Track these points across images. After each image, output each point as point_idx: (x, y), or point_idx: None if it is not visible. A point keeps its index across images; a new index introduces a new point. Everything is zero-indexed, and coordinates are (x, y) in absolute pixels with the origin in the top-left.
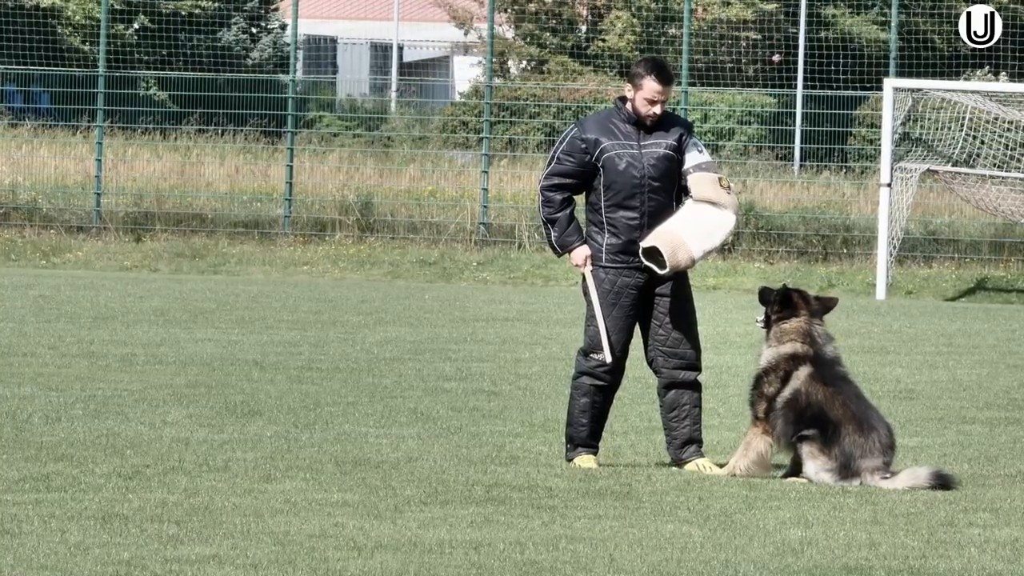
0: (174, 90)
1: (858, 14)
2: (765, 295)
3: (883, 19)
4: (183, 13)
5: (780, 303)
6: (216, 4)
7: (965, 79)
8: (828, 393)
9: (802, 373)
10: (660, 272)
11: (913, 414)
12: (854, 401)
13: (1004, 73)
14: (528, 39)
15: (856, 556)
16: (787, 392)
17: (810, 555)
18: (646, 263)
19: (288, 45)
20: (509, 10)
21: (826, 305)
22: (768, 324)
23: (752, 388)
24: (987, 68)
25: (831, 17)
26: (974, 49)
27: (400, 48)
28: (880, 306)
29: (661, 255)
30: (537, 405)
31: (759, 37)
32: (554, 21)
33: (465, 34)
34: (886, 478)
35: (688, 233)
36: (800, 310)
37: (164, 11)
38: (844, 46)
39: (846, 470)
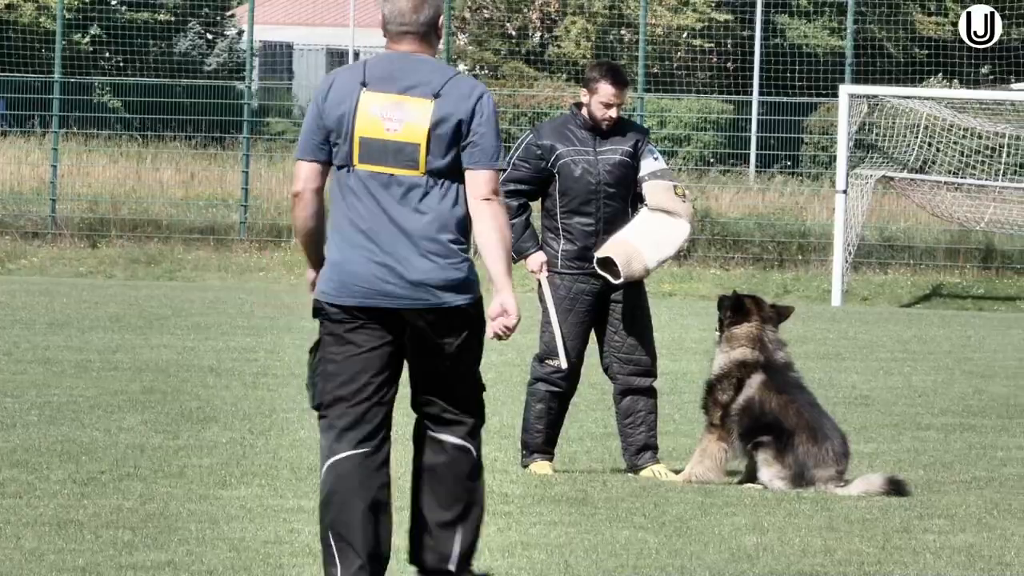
0: (130, 96)
1: (811, 21)
2: (721, 302)
3: (835, 26)
4: (137, 24)
5: (732, 309)
6: (172, 17)
7: (925, 85)
8: (783, 401)
9: (755, 380)
10: (614, 282)
11: (868, 420)
12: (808, 409)
13: (956, 80)
14: (482, 45)
15: (811, 562)
16: (741, 399)
17: (765, 561)
18: (600, 273)
19: (244, 51)
20: (463, 16)
21: (781, 313)
22: (721, 330)
23: (706, 394)
24: (940, 76)
25: (784, 25)
26: (929, 56)
27: (356, 54)
28: (836, 312)
29: (615, 265)
30: (492, 411)
31: (712, 44)
32: (508, 27)
33: None
34: (840, 486)
35: (642, 243)
36: (752, 316)
37: (119, 22)
38: (799, 52)
39: (800, 479)
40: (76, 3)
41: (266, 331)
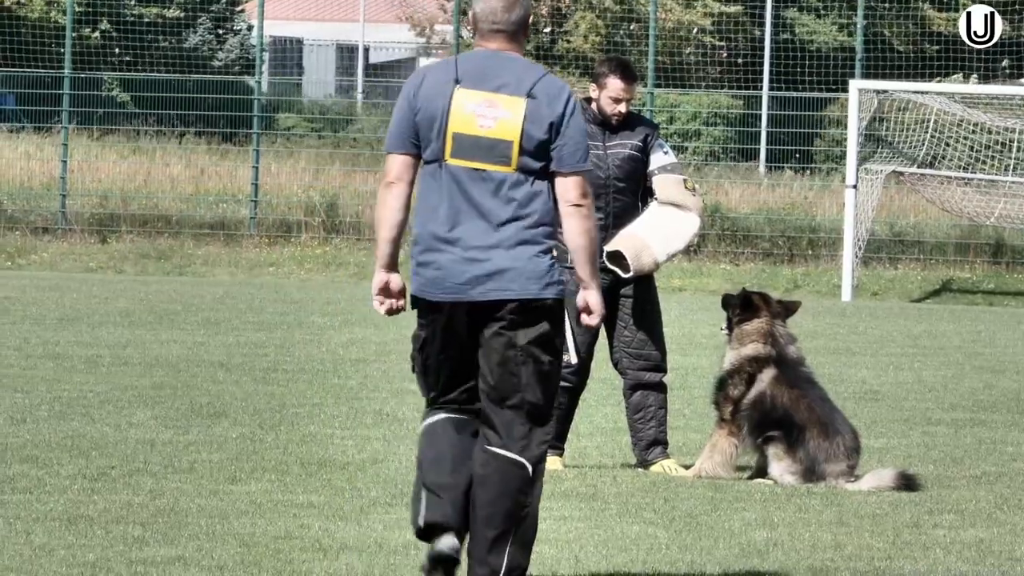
0: (140, 92)
1: (821, 17)
2: (727, 300)
3: (845, 22)
4: (147, 19)
5: (741, 306)
6: (181, 13)
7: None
8: (794, 396)
9: (767, 375)
10: (624, 275)
11: (878, 415)
12: (819, 404)
13: (975, 76)
14: None
15: (821, 558)
16: (752, 394)
17: (775, 557)
18: (610, 267)
19: (254, 47)
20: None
21: (788, 308)
22: (730, 327)
23: (716, 390)
24: (960, 74)
25: (791, 20)
26: (939, 51)
27: (366, 50)
28: (846, 307)
29: (625, 259)
30: None
31: (722, 40)
32: None
33: (428, 40)
34: (851, 481)
35: (652, 236)
36: (761, 311)
37: (128, 18)
38: (809, 47)
39: (811, 473)
40: None
41: (276, 326)
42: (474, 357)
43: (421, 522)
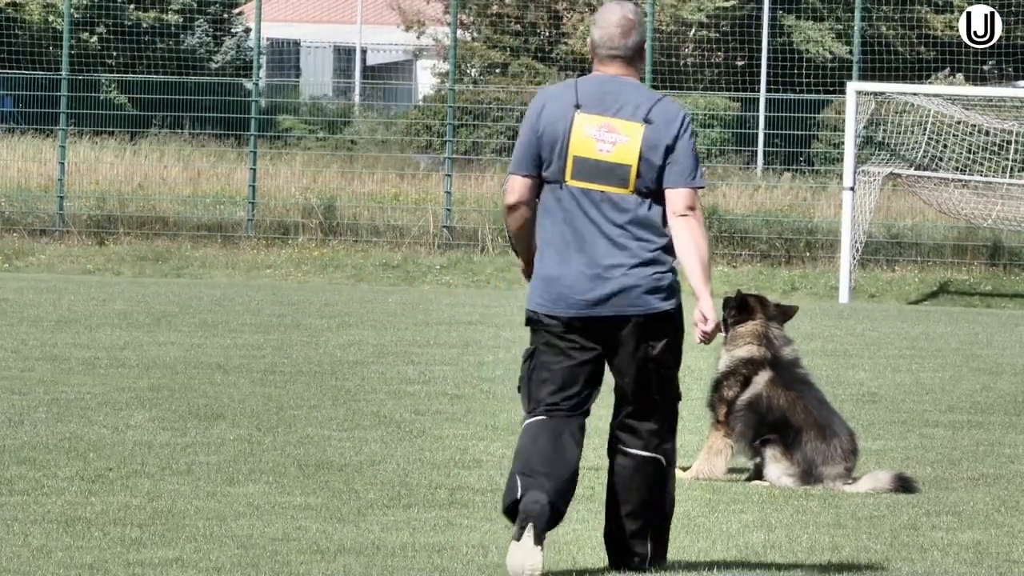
0: (138, 93)
1: (820, 22)
2: (725, 303)
3: (842, 29)
4: (146, 21)
5: (736, 308)
6: (179, 17)
7: (931, 82)
8: (790, 398)
9: (762, 378)
10: None
11: (876, 417)
12: (816, 406)
13: (960, 75)
14: (489, 42)
15: (819, 559)
16: (747, 396)
17: (773, 558)
18: None
19: (251, 49)
20: (469, 11)
21: (785, 312)
22: (726, 329)
23: (712, 392)
24: (948, 71)
25: (789, 27)
26: (937, 53)
27: (363, 52)
28: (843, 309)
29: None
30: (500, 408)
31: (723, 41)
32: (516, 24)
33: (417, 37)
34: (849, 483)
35: None
36: (756, 313)
37: (127, 20)
38: (807, 50)
39: (808, 476)
40: (84, 1)
41: (273, 328)
42: (587, 379)
43: (518, 495)
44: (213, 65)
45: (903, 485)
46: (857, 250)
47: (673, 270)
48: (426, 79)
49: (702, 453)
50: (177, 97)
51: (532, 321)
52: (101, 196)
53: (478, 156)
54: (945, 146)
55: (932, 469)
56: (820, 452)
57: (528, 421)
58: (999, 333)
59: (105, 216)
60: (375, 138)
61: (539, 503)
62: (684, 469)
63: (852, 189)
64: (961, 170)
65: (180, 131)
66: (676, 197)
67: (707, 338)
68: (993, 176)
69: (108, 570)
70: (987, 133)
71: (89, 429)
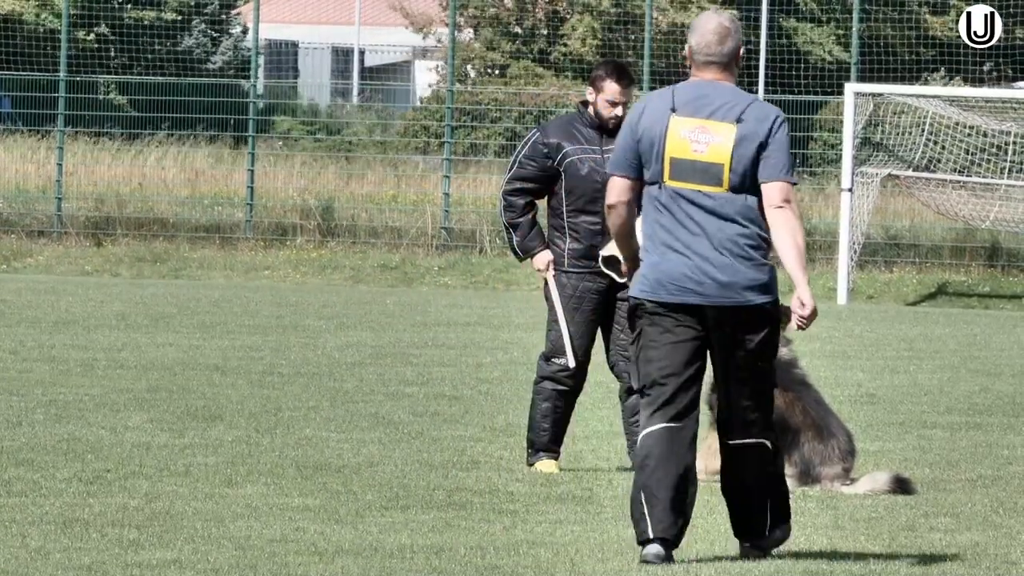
0: (135, 95)
1: (820, 25)
2: None
3: (842, 31)
4: (145, 23)
5: None
6: (178, 16)
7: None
8: (788, 399)
9: None
10: (619, 280)
11: (874, 419)
12: (814, 407)
13: (958, 77)
14: (489, 44)
15: (817, 560)
16: None
17: (770, 560)
18: (605, 271)
19: (249, 50)
20: (469, 13)
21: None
22: None
23: (710, 391)
24: (943, 71)
25: (788, 29)
26: (935, 55)
27: (361, 53)
28: (841, 311)
29: (620, 264)
30: (498, 410)
31: None
32: (515, 26)
33: (424, 38)
34: (846, 484)
35: None
36: None
37: (124, 20)
38: (809, 52)
39: (806, 476)
40: (81, 1)
41: (272, 330)
42: (689, 357)
43: (650, 534)
44: (211, 66)
45: (901, 486)
46: (855, 251)
47: (769, 264)
48: (424, 80)
49: (700, 453)
50: (175, 98)
51: (637, 307)
52: (99, 197)
53: (476, 157)
54: (943, 147)
55: (930, 470)
56: (818, 453)
57: (648, 431)
58: (997, 334)
59: (103, 217)
60: (373, 139)
61: (659, 558)
62: None
63: (850, 190)
64: (959, 171)
65: (178, 132)
66: (772, 190)
67: (804, 323)
68: (991, 177)
69: (106, 571)
70: (985, 134)
71: (87, 430)
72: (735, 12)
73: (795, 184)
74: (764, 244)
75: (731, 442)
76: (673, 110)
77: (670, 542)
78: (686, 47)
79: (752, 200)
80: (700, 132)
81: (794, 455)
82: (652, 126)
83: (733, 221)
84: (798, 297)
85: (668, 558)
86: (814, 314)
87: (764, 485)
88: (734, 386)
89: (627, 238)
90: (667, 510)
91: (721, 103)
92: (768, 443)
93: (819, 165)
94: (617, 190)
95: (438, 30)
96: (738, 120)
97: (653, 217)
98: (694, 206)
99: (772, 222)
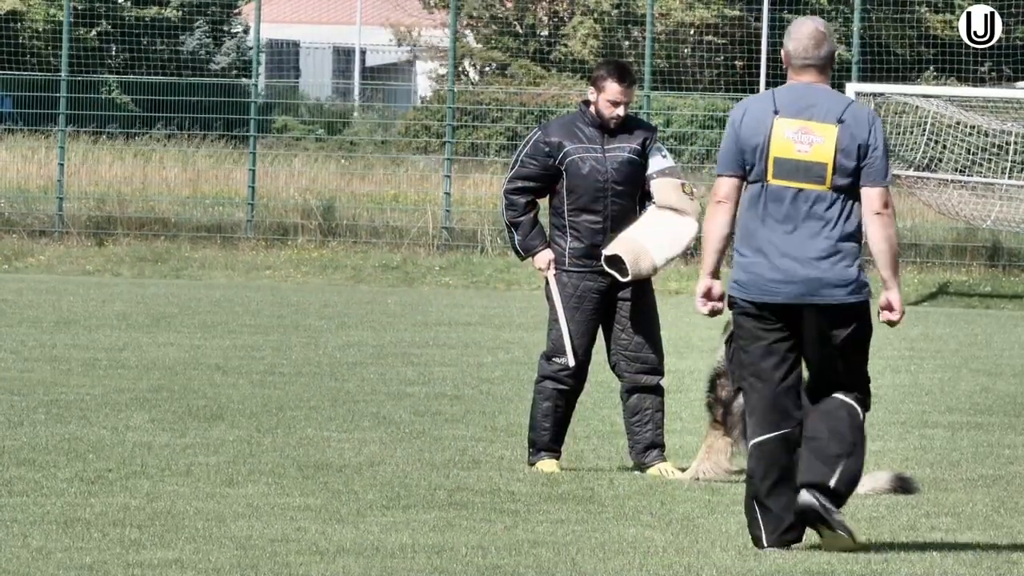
0: (137, 94)
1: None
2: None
3: (844, 28)
4: (147, 19)
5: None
6: (179, 12)
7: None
8: None
9: None
10: (622, 280)
11: (875, 418)
12: None
13: (953, 77)
14: (489, 44)
15: (817, 560)
16: (742, 400)
17: (772, 559)
18: (608, 271)
19: (251, 49)
20: (471, 14)
21: None
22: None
23: (708, 391)
24: (938, 71)
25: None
26: (935, 54)
27: (363, 52)
28: None
29: (623, 263)
30: (499, 409)
31: (723, 42)
32: (516, 26)
33: (411, 48)
34: None
35: (650, 241)
36: None
37: (126, 19)
38: None
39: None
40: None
41: (273, 329)
42: (782, 357)
43: (765, 543)
44: (213, 66)
45: (902, 486)
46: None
47: (861, 263)
48: (425, 80)
49: (701, 452)
50: (177, 98)
51: (732, 304)
52: (100, 197)
53: (477, 157)
54: (944, 147)
55: (931, 470)
56: None
57: (757, 440)
58: (998, 334)
59: (104, 217)
60: (374, 139)
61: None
62: (683, 470)
63: None
64: (960, 171)
65: (180, 132)
66: (872, 196)
67: (892, 324)
68: (992, 177)
69: (107, 571)
70: (986, 134)
71: (88, 430)
72: (739, 13)
73: (891, 184)
74: (858, 243)
75: (824, 398)
76: (776, 112)
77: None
78: (782, 51)
79: (851, 200)
80: (803, 133)
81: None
82: (755, 127)
83: (832, 220)
84: (888, 299)
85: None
86: (902, 315)
87: (846, 438)
88: (823, 383)
89: (724, 236)
90: (779, 517)
91: (821, 105)
92: (859, 412)
93: None
94: (725, 188)
95: (430, 33)
96: (839, 121)
97: (752, 215)
98: (795, 204)
99: (870, 226)
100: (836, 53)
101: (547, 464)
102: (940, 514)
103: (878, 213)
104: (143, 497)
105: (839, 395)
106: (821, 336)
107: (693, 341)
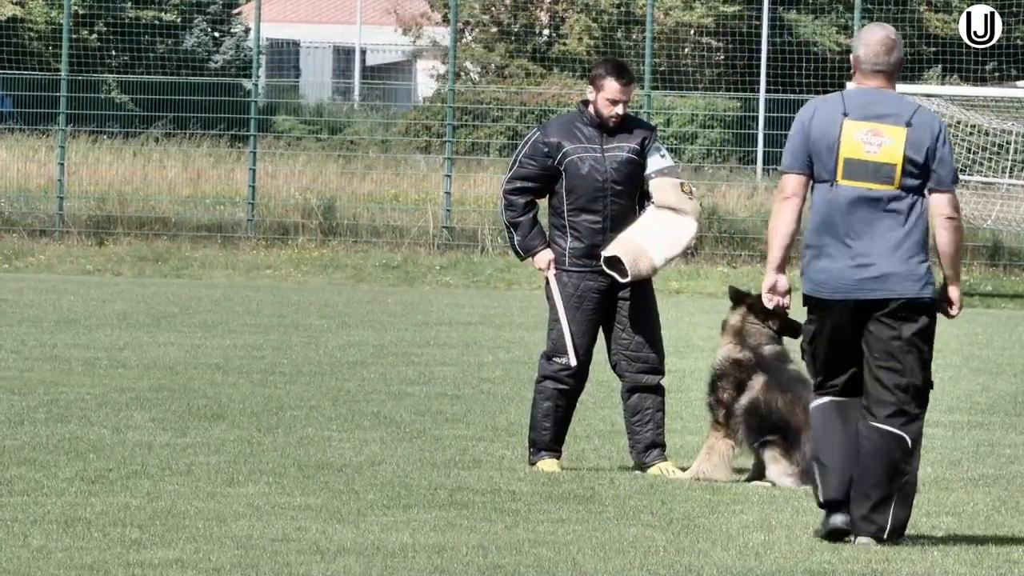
0: (137, 94)
1: (818, 18)
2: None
3: (844, 24)
4: (144, 21)
5: (730, 298)
6: (178, 14)
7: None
8: (788, 400)
9: (757, 382)
10: (621, 281)
11: None
12: None
13: (956, 76)
14: (487, 44)
15: (819, 560)
16: (745, 401)
17: (773, 559)
18: (608, 271)
19: (251, 49)
20: (467, 20)
21: (788, 325)
22: (723, 326)
23: (709, 392)
24: (941, 70)
25: (792, 22)
26: (936, 53)
27: (363, 52)
28: None
29: (622, 264)
30: (500, 409)
31: (721, 44)
32: (515, 25)
33: (413, 41)
34: None
35: (650, 241)
36: (739, 305)
37: (125, 20)
38: (806, 50)
39: (808, 474)
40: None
41: (273, 329)
42: (858, 348)
43: (821, 498)
44: (212, 65)
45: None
46: None
47: (929, 261)
48: (425, 80)
49: (702, 453)
50: (177, 97)
51: (807, 301)
52: (101, 196)
53: (478, 156)
54: None
55: (932, 470)
56: None
57: (817, 404)
58: (999, 333)
59: (105, 216)
60: (375, 138)
61: (847, 524)
62: (684, 469)
63: None
64: (961, 170)
65: (180, 131)
66: (940, 199)
67: (951, 316)
68: (993, 177)
69: (108, 571)
70: (987, 133)
71: (89, 430)
72: (738, 9)
73: (953, 190)
74: (925, 241)
75: (874, 423)
76: (845, 114)
77: (842, 502)
78: (852, 57)
79: (917, 199)
80: (873, 135)
81: (796, 454)
82: (825, 128)
83: (899, 218)
84: (951, 294)
85: (842, 523)
86: (960, 309)
87: (893, 479)
88: (887, 377)
89: (791, 233)
90: (838, 478)
91: (890, 108)
92: (909, 441)
93: None
94: (792, 185)
95: (432, 30)
96: (907, 124)
97: (822, 215)
98: (864, 203)
99: (939, 229)
100: (903, 59)
101: (548, 464)
102: (941, 513)
103: (949, 217)
104: (144, 497)
105: (881, 424)
106: (890, 332)
107: (694, 340)
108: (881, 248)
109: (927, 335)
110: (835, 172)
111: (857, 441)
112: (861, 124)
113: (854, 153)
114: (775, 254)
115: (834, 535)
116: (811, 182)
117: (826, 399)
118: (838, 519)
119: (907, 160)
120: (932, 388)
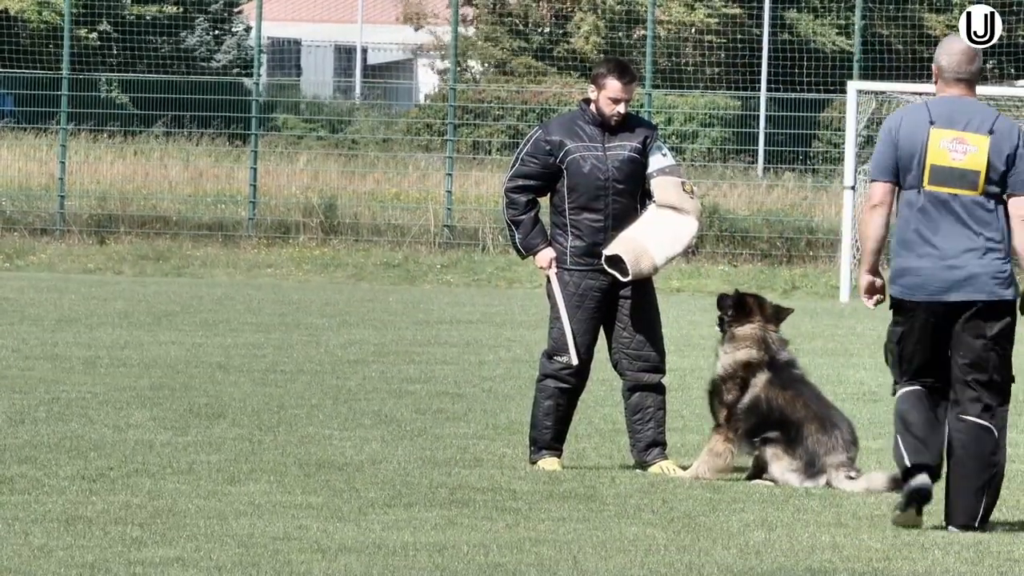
0: (138, 92)
1: (819, 17)
2: (722, 300)
3: (844, 22)
4: (147, 18)
5: (735, 308)
6: (179, 9)
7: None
8: (788, 396)
9: (760, 380)
10: (623, 280)
11: (876, 416)
12: (815, 401)
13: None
14: (490, 40)
15: (819, 558)
16: (747, 399)
17: (773, 557)
18: (609, 271)
19: (252, 48)
20: (472, 9)
21: (779, 313)
22: (723, 328)
23: (711, 394)
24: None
25: (793, 21)
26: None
27: (364, 51)
28: (843, 309)
29: (624, 263)
30: (501, 408)
31: (723, 40)
32: (518, 23)
33: (415, 30)
34: (851, 476)
35: (651, 240)
36: (754, 315)
37: (127, 17)
38: (807, 48)
39: (811, 468)
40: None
41: (274, 327)
42: (943, 348)
43: (908, 463)
44: (214, 64)
45: (898, 486)
46: (858, 249)
47: (1011, 262)
48: (427, 78)
49: (703, 454)
50: (178, 96)
51: (895, 304)
52: (102, 195)
53: (479, 155)
54: None
55: None
56: (822, 444)
57: (904, 391)
58: None
59: (106, 215)
60: (376, 137)
61: (927, 486)
62: (685, 468)
63: (853, 188)
64: None
65: (181, 130)
66: (1019, 203)
67: None
68: None
69: (109, 569)
70: None
71: (90, 428)
72: (740, 12)
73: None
74: (1007, 244)
75: (966, 417)
76: (931, 123)
77: (927, 466)
78: (934, 65)
79: (1000, 204)
80: (958, 143)
81: (798, 449)
82: (912, 136)
83: (983, 222)
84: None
85: (924, 483)
86: None
87: (984, 470)
88: (974, 374)
89: (881, 238)
90: (919, 440)
91: (973, 117)
92: (996, 433)
93: (822, 163)
94: (880, 193)
95: (434, 27)
96: (990, 132)
97: (909, 220)
98: (949, 208)
99: (1015, 229)
100: (983, 68)
101: (549, 462)
102: (941, 512)
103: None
104: (144, 495)
105: (970, 417)
106: (976, 331)
107: (694, 339)
108: (967, 251)
109: (1009, 333)
110: (921, 178)
111: (939, 421)
112: (946, 132)
113: (940, 160)
114: (869, 259)
115: (915, 494)
116: (898, 189)
117: (913, 387)
118: (922, 478)
119: (990, 167)
120: (1014, 382)
